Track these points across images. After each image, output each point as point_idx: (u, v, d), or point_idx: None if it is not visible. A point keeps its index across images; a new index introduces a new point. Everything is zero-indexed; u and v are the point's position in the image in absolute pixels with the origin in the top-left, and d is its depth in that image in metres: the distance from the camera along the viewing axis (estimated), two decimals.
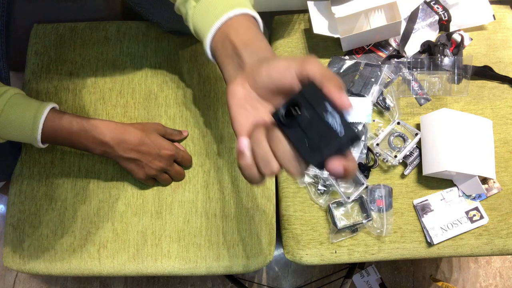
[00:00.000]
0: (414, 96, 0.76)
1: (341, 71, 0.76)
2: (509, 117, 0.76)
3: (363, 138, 0.72)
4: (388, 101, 0.74)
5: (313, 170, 0.70)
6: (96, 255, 0.68)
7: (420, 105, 0.76)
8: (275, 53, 0.41)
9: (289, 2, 0.84)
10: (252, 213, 0.70)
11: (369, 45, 0.79)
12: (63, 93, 0.75)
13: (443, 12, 0.79)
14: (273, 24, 0.83)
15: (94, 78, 0.76)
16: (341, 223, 0.69)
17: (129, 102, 0.74)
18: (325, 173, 0.70)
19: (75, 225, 0.69)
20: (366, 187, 0.70)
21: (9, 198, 0.71)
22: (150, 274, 0.69)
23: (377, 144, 0.72)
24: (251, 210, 0.70)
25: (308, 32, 0.81)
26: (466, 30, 0.80)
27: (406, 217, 0.71)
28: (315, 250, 0.70)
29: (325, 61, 0.78)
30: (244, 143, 0.37)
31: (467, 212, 0.71)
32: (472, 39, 0.80)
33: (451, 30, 0.79)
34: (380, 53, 0.78)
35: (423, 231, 0.71)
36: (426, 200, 0.72)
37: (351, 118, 0.72)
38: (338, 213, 0.70)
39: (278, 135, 0.35)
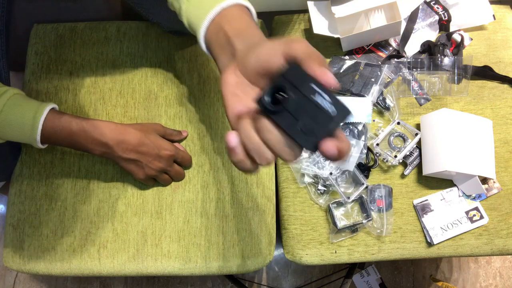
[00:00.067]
0: (414, 96, 0.76)
1: (341, 71, 0.76)
2: (509, 117, 0.76)
3: (363, 138, 0.72)
4: (388, 101, 0.74)
5: (313, 170, 0.70)
6: (96, 255, 0.68)
7: (420, 105, 0.76)
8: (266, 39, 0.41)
9: (289, 2, 0.84)
10: (252, 213, 0.70)
11: (369, 45, 0.79)
12: (63, 93, 0.75)
13: (443, 12, 0.79)
14: (273, 24, 0.83)
15: (94, 78, 0.76)
16: (341, 223, 0.69)
17: (129, 102, 0.74)
18: (325, 173, 0.70)
19: (75, 225, 0.69)
20: (366, 187, 0.70)
21: (9, 198, 0.71)
22: (150, 274, 0.69)
23: (377, 144, 0.72)
24: (251, 210, 0.70)
25: (308, 32, 0.81)
26: (466, 30, 0.80)
27: (406, 217, 0.71)
28: (315, 250, 0.70)
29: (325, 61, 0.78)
30: (234, 139, 0.36)
31: (467, 212, 0.71)
32: (472, 39, 0.80)
33: (451, 30, 0.79)
34: (380, 53, 0.78)
35: (423, 231, 0.71)
36: (426, 200, 0.72)
37: (351, 118, 0.72)
38: (338, 213, 0.70)
39: (266, 124, 0.34)
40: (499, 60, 0.79)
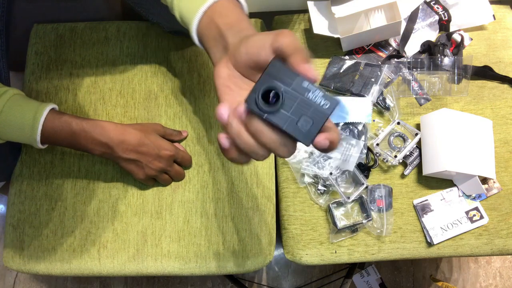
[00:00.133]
0: (414, 96, 0.76)
1: (341, 71, 0.76)
2: (509, 117, 0.76)
3: (363, 138, 0.72)
4: (388, 101, 0.74)
5: (313, 170, 0.70)
6: (96, 255, 0.68)
7: (420, 105, 0.76)
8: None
9: (289, 2, 0.84)
10: (252, 213, 0.70)
11: (369, 45, 0.79)
12: (63, 93, 0.75)
13: (443, 12, 0.79)
14: (273, 24, 0.83)
15: (94, 78, 0.76)
16: (341, 223, 0.69)
17: (129, 102, 0.74)
18: (325, 173, 0.70)
19: (75, 225, 0.69)
20: (366, 187, 0.70)
21: (9, 198, 0.71)
22: (150, 274, 0.69)
23: (377, 144, 0.72)
24: (251, 210, 0.70)
25: (308, 32, 0.81)
26: (466, 30, 0.80)
27: (406, 217, 0.71)
28: (315, 250, 0.70)
29: (325, 61, 0.78)
30: (226, 142, 0.37)
31: (467, 212, 0.71)
32: (472, 39, 0.80)
33: (451, 30, 0.79)
34: (380, 53, 0.78)
35: (423, 231, 0.71)
36: (426, 200, 0.72)
37: (351, 118, 0.72)
38: (338, 213, 0.70)
39: (259, 126, 0.34)
40: (499, 60, 0.79)
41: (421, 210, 0.71)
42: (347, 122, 0.72)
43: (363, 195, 0.70)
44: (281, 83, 0.33)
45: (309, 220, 0.71)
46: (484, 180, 0.72)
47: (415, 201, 0.72)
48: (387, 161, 0.72)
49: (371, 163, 0.73)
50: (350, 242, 0.70)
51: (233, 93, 0.40)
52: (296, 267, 1.25)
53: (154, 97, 0.75)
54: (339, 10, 0.73)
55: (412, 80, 0.76)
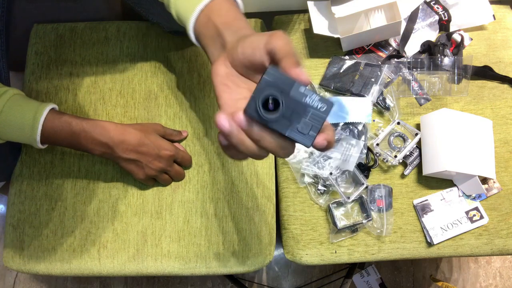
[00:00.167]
0: (414, 96, 0.76)
1: (341, 71, 0.76)
2: (509, 117, 0.76)
3: (363, 138, 0.72)
4: (388, 101, 0.74)
5: (313, 170, 0.70)
6: (96, 255, 0.68)
7: (420, 105, 0.76)
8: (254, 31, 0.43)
9: (289, 2, 0.84)
10: (252, 213, 0.70)
11: (369, 45, 0.79)
12: (63, 93, 0.75)
13: (443, 12, 0.79)
14: (273, 24, 0.83)
15: (94, 78, 0.76)
16: (341, 223, 0.69)
17: (129, 102, 0.74)
18: (325, 173, 0.70)
19: (75, 225, 0.69)
20: (366, 187, 0.70)
21: (9, 198, 0.71)
22: (150, 274, 0.69)
23: (377, 144, 0.72)
24: (251, 210, 0.70)
25: (308, 32, 0.81)
26: (466, 30, 0.80)
27: (406, 217, 0.71)
28: (315, 250, 0.70)
29: (325, 61, 0.78)
30: (224, 141, 0.38)
31: (467, 212, 0.71)
32: (472, 39, 0.80)
33: (451, 30, 0.79)
34: (380, 53, 0.78)
35: (423, 231, 0.71)
36: (426, 200, 0.72)
37: (351, 118, 0.72)
38: (338, 213, 0.70)
39: (259, 132, 0.36)
40: (499, 60, 0.79)
41: (421, 210, 0.71)
42: (347, 122, 0.72)
43: (363, 195, 0.70)
44: (280, 90, 0.35)
45: (309, 220, 0.71)
46: (484, 180, 0.72)
47: (415, 201, 0.72)
48: (387, 161, 0.72)
49: (371, 163, 0.73)
50: (350, 242, 0.70)
51: (231, 91, 0.41)
52: (296, 267, 1.25)
53: (154, 97, 0.75)
54: (339, 10, 0.73)
55: (412, 80, 0.76)
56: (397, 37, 0.78)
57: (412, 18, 0.78)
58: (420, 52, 0.79)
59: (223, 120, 0.36)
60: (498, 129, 0.75)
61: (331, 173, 0.70)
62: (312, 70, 0.78)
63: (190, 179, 0.71)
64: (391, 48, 0.78)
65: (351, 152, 0.70)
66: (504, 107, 0.77)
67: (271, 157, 0.74)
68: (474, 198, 0.72)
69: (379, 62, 0.77)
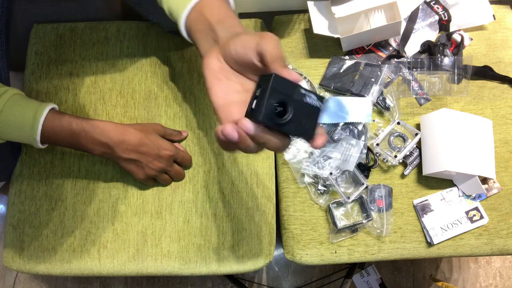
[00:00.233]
0: (414, 96, 0.76)
1: (341, 71, 0.76)
2: (509, 117, 0.76)
3: (363, 138, 0.72)
4: (388, 101, 0.74)
5: (313, 170, 0.70)
6: (96, 255, 0.68)
7: (420, 105, 0.76)
8: (246, 29, 0.46)
9: (289, 2, 0.84)
10: (252, 213, 0.70)
11: (369, 45, 0.79)
12: (63, 93, 0.75)
13: (443, 12, 0.79)
14: (273, 24, 0.83)
15: (94, 78, 0.76)
16: (341, 223, 0.69)
17: (129, 102, 0.74)
18: (325, 173, 0.70)
19: (75, 225, 0.69)
20: (366, 187, 0.70)
21: (9, 198, 0.71)
22: (150, 274, 0.69)
23: (377, 144, 0.72)
24: (251, 210, 0.70)
25: (308, 32, 0.81)
26: (466, 30, 0.80)
27: (406, 217, 0.71)
28: (315, 250, 0.70)
29: (325, 61, 0.78)
30: (222, 135, 0.39)
31: (467, 212, 0.71)
32: (472, 39, 0.80)
33: (451, 30, 0.79)
34: (380, 53, 0.78)
35: (423, 231, 0.71)
36: (426, 200, 0.72)
37: (351, 118, 0.72)
38: (338, 213, 0.70)
39: (266, 137, 0.38)
40: (499, 60, 0.79)
41: (421, 210, 0.71)
42: (347, 122, 0.72)
43: (363, 195, 0.70)
44: (286, 94, 0.37)
45: (309, 220, 0.71)
46: (484, 180, 0.72)
47: (415, 201, 0.72)
48: (387, 161, 0.72)
49: (371, 163, 0.73)
50: (350, 242, 0.70)
51: (223, 84, 0.42)
52: (296, 267, 1.25)
53: (154, 97, 0.75)
54: (339, 10, 0.73)
55: (412, 80, 0.76)
56: (397, 37, 0.78)
57: (412, 18, 0.78)
58: (420, 52, 0.79)
59: (230, 130, 0.38)
60: (498, 129, 0.75)
61: (331, 173, 0.70)
62: (312, 70, 0.78)
63: (190, 179, 0.71)
64: (391, 48, 0.78)
65: (351, 152, 0.70)
66: (504, 107, 0.77)
67: (271, 157, 0.74)
68: (474, 198, 0.72)
69: (379, 62, 0.77)
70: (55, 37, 0.78)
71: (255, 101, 0.38)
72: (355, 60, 0.77)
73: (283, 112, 0.37)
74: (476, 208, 0.71)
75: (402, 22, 0.75)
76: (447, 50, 0.77)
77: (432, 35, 0.80)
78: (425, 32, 0.80)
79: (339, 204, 0.71)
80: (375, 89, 0.74)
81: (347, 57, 0.78)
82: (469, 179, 0.69)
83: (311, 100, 0.39)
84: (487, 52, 0.80)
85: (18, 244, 0.69)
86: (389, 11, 0.75)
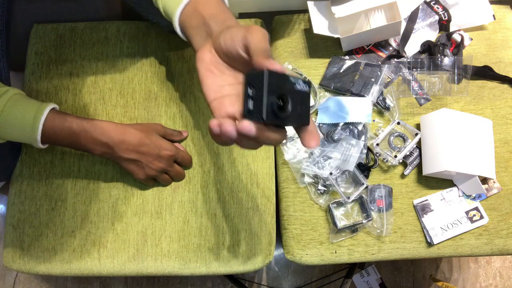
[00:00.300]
0: (414, 96, 0.76)
1: (341, 71, 0.76)
2: (509, 117, 0.76)
3: (363, 138, 0.72)
4: (388, 101, 0.74)
5: (313, 170, 0.70)
6: (96, 255, 0.68)
7: (420, 105, 0.76)
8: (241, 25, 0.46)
9: (289, 2, 0.84)
10: (252, 213, 0.70)
11: (369, 45, 0.79)
12: (63, 93, 0.75)
13: (443, 12, 0.79)
14: (273, 24, 0.83)
15: (94, 78, 0.76)
16: (341, 223, 0.69)
17: (129, 102, 0.74)
18: (325, 173, 0.70)
19: (75, 225, 0.69)
20: (366, 187, 0.70)
21: (9, 198, 0.71)
22: (150, 274, 0.69)
23: (377, 144, 0.72)
24: (251, 210, 0.70)
25: (308, 32, 0.81)
26: (466, 30, 0.80)
27: (406, 217, 0.71)
28: (315, 250, 0.70)
29: (325, 61, 0.78)
30: (218, 128, 0.39)
31: (467, 212, 0.71)
32: (472, 39, 0.80)
33: (451, 30, 0.79)
34: (380, 53, 0.78)
35: (423, 231, 0.71)
36: (426, 200, 0.72)
37: (351, 118, 0.72)
38: (338, 213, 0.70)
39: (267, 134, 0.38)
40: (499, 60, 0.79)
41: (421, 210, 0.71)
42: (347, 122, 0.72)
43: (363, 195, 0.70)
44: (282, 88, 0.37)
45: (309, 220, 0.71)
46: (484, 180, 0.72)
47: (415, 201, 0.72)
48: (387, 161, 0.72)
49: (371, 163, 0.73)
50: (350, 242, 0.70)
51: (215, 77, 0.43)
52: (296, 267, 1.25)
53: (154, 97, 0.75)
54: (339, 10, 0.73)
55: (412, 80, 0.76)
56: (397, 37, 0.78)
57: (412, 18, 0.78)
58: (420, 52, 0.79)
59: (230, 127, 0.37)
60: (498, 129, 0.75)
61: (331, 173, 0.70)
62: (312, 70, 0.78)
63: (190, 179, 0.71)
64: (391, 48, 0.78)
65: (351, 152, 0.70)
66: (504, 107, 0.77)
67: (271, 157, 0.74)
68: (474, 198, 0.72)
69: (379, 62, 0.77)
70: (55, 37, 0.78)
71: (250, 101, 0.37)
72: (355, 60, 0.77)
73: (283, 106, 0.37)
74: (476, 208, 0.71)
75: (402, 22, 0.75)
76: (447, 50, 0.77)
77: (432, 35, 0.80)
78: (425, 32, 0.80)
79: (339, 204, 0.71)
80: (375, 89, 0.74)
81: (347, 57, 0.78)
82: (469, 179, 0.69)
83: (300, 86, 0.39)
84: (487, 52, 0.80)
85: (18, 244, 0.69)
86: (389, 11, 0.75)
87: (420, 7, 0.80)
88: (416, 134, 0.72)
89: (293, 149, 0.73)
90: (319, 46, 0.80)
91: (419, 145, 0.73)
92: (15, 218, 0.70)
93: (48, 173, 0.71)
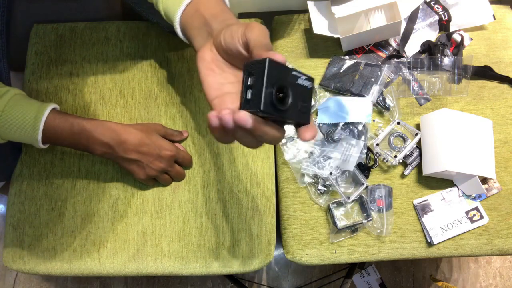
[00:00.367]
0: (414, 96, 0.76)
1: (341, 71, 0.76)
2: (509, 117, 0.76)
3: (363, 138, 0.72)
4: (388, 101, 0.74)
5: (313, 170, 0.70)
6: (96, 255, 0.68)
7: (420, 105, 0.76)
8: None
9: (289, 2, 0.84)
10: (252, 213, 0.70)
11: (369, 45, 0.79)
12: (63, 93, 0.75)
13: (443, 12, 0.79)
14: (273, 24, 0.83)
15: (94, 78, 0.76)
16: (341, 223, 0.69)
17: (129, 102, 0.74)
18: (325, 173, 0.70)
19: (75, 225, 0.69)
20: (366, 187, 0.70)
21: (9, 198, 0.71)
22: (150, 274, 0.69)
23: (377, 144, 0.72)
24: (251, 210, 0.70)
25: (308, 32, 0.81)
26: (466, 30, 0.80)
27: (406, 217, 0.71)
28: (315, 250, 0.70)
29: (325, 61, 0.78)
30: (217, 120, 0.38)
31: (467, 212, 0.71)
32: (472, 39, 0.80)
33: (451, 30, 0.79)
34: (380, 53, 0.78)
35: (423, 231, 0.71)
36: (426, 200, 0.72)
37: (351, 118, 0.72)
38: (338, 213, 0.70)
39: (264, 128, 0.36)
40: (499, 60, 0.79)
41: (421, 210, 0.71)
42: (347, 122, 0.72)
43: (363, 195, 0.70)
44: (283, 79, 0.35)
45: (309, 220, 0.71)
46: (484, 180, 0.73)
47: (415, 201, 0.72)
48: (387, 161, 0.72)
49: (371, 163, 0.73)
50: (350, 242, 0.70)
51: (216, 75, 0.43)
52: (296, 267, 1.25)
53: (154, 97, 0.75)
54: (339, 10, 0.73)
55: (412, 80, 0.76)
56: (397, 37, 0.78)
57: (412, 18, 0.78)
58: (420, 52, 0.79)
59: (228, 116, 0.36)
60: (498, 129, 0.75)
61: (331, 173, 0.70)
62: (312, 70, 0.78)
63: (191, 179, 0.71)
64: (391, 48, 0.78)
65: (351, 152, 0.70)
66: (504, 107, 0.77)
67: (271, 157, 0.74)
68: (474, 198, 0.72)
69: (379, 62, 0.77)
70: (55, 37, 0.78)
71: (249, 91, 0.35)
72: (355, 60, 0.77)
73: (283, 99, 0.35)
74: (476, 208, 0.71)
75: (402, 22, 0.75)
76: (447, 50, 0.77)
77: (432, 35, 0.80)
78: (425, 32, 0.80)
79: (339, 204, 0.71)
80: (375, 89, 0.74)
81: (347, 57, 0.78)
82: (469, 179, 0.69)
83: (303, 81, 0.37)
84: (487, 52, 0.80)
85: (18, 244, 0.69)
86: (389, 11, 0.75)
87: (420, 7, 0.80)
88: (416, 134, 0.72)
89: (293, 149, 0.73)
90: (319, 46, 0.80)
91: (419, 145, 0.73)
92: (15, 218, 0.70)
93: (48, 173, 0.71)
